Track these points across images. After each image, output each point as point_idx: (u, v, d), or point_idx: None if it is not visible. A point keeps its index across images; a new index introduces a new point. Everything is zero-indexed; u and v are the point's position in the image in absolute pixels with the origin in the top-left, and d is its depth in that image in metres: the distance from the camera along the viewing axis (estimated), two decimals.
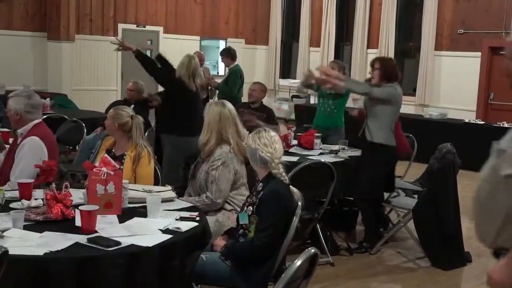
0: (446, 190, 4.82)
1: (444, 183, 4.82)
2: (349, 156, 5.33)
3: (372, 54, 11.91)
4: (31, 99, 3.91)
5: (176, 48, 12.44)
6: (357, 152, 5.41)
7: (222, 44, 13.39)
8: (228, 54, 8.46)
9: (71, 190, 3.15)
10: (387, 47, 12.01)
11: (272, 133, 3.21)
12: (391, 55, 11.69)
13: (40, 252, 2.50)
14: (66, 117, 6.57)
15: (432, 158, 4.99)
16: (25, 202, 3.18)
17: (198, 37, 13.29)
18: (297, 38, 14.12)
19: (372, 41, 12.42)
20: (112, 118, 4.05)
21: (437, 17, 11.27)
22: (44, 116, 6.50)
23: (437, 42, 11.32)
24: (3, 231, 2.72)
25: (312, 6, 13.57)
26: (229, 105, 4.08)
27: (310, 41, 13.74)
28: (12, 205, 3.17)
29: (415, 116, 10.14)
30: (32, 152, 3.73)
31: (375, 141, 4.97)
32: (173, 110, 5.57)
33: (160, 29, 12.75)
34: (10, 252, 2.33)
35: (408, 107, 10.27)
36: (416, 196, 5.20)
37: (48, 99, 7.70)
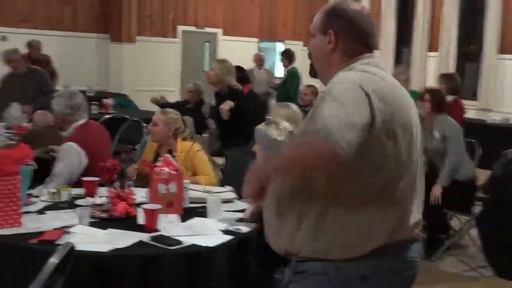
0: (511, 197, 4.68)
1: (509, 190, 4.67)
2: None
3: (432, 57, 11.67)
4: (73, 100, 3.88)
5: (234, 50, 12.53)
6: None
7: (279, 47, 13.39)
8: (287, 56, 8.47)
9: (134, 189, 3.21)
10: (448, 50, 11.74)
11: None
12: (452, 58, 11.42)
13: (104, 248, 2.55)
14: (127, 117, 6.69)
15: (496, 165, 4.85)
16: (90, 200, 3.26)
17: (256, 39, 13.33)
18: None
19: (432, 44, 12.17)
20: (166, 123, 4.05)
21: (501, 20, 10.96)
22: (107, 116, 6.69)
23: (501, 45, 11.00)
24: (70, 227, 2.80)
25: (370, 7, 13.41)
26: (294, 106, 4.09)
27: None
28: (77, 202, 3.26)
29: (477, 121, 9.87)
30: (66, 158, 3.71)
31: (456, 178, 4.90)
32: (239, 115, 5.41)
33: (219, 31, 12.86)
34: (76, 248, 2.39)
35: (469, 111, 10.01)
36: (478, 203, 5.06)
37: (110, 99, 7.87)
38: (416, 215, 2.02)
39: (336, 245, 1.91)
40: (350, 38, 2.04)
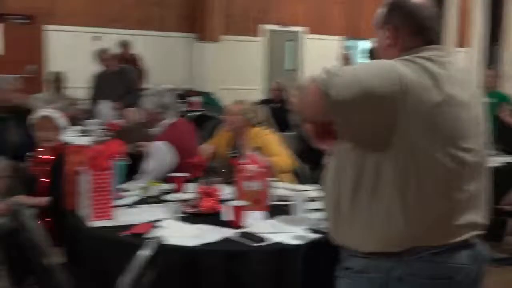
0: None
1: None
2: (507, 163, 5.05)
3: None
4: (163, 99, 4.01)
5: (317, 48, 12.49)
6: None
7: (362, 45, 13.21)
8: (373, 54, 8.34)
9: (220, 185, 3.26)
10: None
11: None
12: None
13: (192, 243, 2.60)
14: (213, 114, 6.81)
15: None
16: (178, 195, 3.34)
17: (339, 37, 13.22)
18: (443, 38, 13.57)
19: None
20: (241, 113, 4.09)
21: None
22: (194, 114, 6.84)
23: None
24: (159, 221, 2.88)
25: (459, 5, 12.99)
26: None
27: (458, 41, 13.17)
28: (166, 197, 3.34)
29: None
30: (156, 157, 3.82)
31: None
32: None
33: (303, 29, 12.84)
34: (165, 242, 2.45)
35: None
36: None
37: (197, 97, 8.03)
38: (466, 217, 1.89)
39: (367, 238, 1.90)
40: (409, 32, 1.98)
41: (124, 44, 8.78)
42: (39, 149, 3.79)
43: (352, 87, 1.75)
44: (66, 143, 3.76)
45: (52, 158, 3.64)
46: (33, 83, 8.85)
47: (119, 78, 6.76)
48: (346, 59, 10.38)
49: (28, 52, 9.28)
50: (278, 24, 12.48)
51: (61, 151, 3.59)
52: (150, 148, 3.87)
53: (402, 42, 1.98)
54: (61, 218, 3.17)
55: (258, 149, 3.88)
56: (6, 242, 3.39)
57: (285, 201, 3.29)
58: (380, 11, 2.04)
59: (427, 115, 1.81)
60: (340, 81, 1.76)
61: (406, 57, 1.91)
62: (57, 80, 6.63)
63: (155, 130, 4.03)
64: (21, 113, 5.10)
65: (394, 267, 1.88)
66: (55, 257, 2.77)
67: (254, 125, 4.17)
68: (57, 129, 3.70)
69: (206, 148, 4.19)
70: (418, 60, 1.89)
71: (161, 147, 3.83)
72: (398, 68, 1.83)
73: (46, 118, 3.74)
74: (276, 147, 4.06)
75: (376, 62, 1.90)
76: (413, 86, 1.80)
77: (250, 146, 3.98)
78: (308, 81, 1.88)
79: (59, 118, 3.76)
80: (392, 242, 1.87)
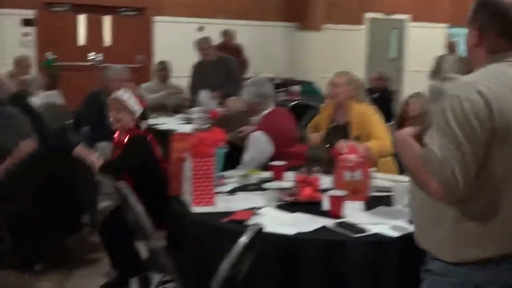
0: None
1: None
2: None
3: None
4: (261, 89, 4.04)
5: (422, 36, 12.13)
6: None
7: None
8: None
9: (319, 175, 3.25)
10: None
11: None
12: None
13: (291, 232, 2.62)
14: (312, 103, 6.79)
15: None
16: (278, 183, 3.37)
17: (445, 25, 12.76)
18: None
19: None
20: (348, 83, 4.02)
21: None
22: (293, 103, 6.85)
23: None
24: (258, 208, 2.92)
25: None
26: None
27: None
28: (266, 185, 3.39)
29: None
30: (255, 147, 3.88)
31: None
32: None
33: (407, 17, 12.51)
34: (264, 229, 2.48)
35: None
36: None
37: (297, 87, 8.04)
38: None
39: (447, 246, 1.91)
40: (496, 33, 1.87)
41: (227, 33, 8.91)
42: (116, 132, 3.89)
43: (466, 175, 1.76)
44: (138, 127, 3.77)
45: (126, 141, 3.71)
46: (141, 73, 9.21)
47: (218, 68, 6.88)
48: (452, 47, 10.04)
49: (136, 43, 9.65)
50: (381, 12, 12.23)
51: (133, 134, 3.69)
52: (248, 138, 3.93)
53: (488, 42, 1.89)
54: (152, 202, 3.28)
55: (357, 138, 3.83)
56: (112, 224, 3.57)
57: (385, 192, 3.24)
58: (471, 7, 1.96)
59: None
60: (459, 173, 1.75)
61: (496, 66, 1.86)
62: (163, 70, 6.85)
63: (254, 119, 4.08)
64: None
65: (473, 273, 1.88)
66: (158, 241, 2.89)
67: (357, 101, 4.09)
68: (127, 111, 3.71)
69: (314, 137, 4.18)
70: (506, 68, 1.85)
71: (259, 137, 3.88)
72: (478, 103, 1.76)
73: (117, 100, 3.75)
74: (379, 129, 3.96)
75: (455, 119, 1.79)
76: (501, 109, 1.77)
77: (352, 122, 3.96)
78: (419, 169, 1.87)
79: (131, 100, 3.75)
80: (473, 250, 1.87)
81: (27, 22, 8.86)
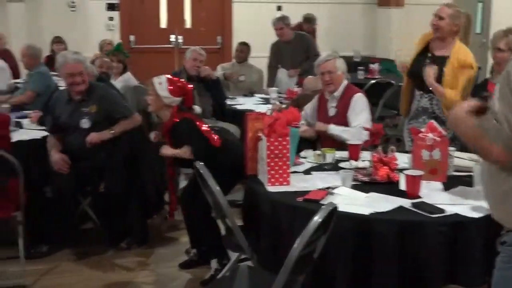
0: None
1: None
2: None
3: None
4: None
5: (510, 10, 11.57)
6: None
7: None
8: None
9: (396, 154, 3.20)
10: None
11: None
12: None
13: (365, 211, 2.60)
14: (392, 82, 6.65)
15: None
16: (353, 163, 3.34)
17: None
18: None
19: None
20: (452, 17, 3.94)
21: None
22: (373, 81, 6.74)
23: None
24: (333, 188, 2.91)
25: None
26: None
27: None
28: (341, 164, 3.36)
29: None
30: (366, 107, 4.03)
31: None
32: None
33: None
34: (338, 209, 2.47)
35: None
36: None
37: (376, 64, 7.89)
38: None
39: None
40: None
41: (308, 20, 8.71)
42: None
43: None
44: (182, 111, 3.77)
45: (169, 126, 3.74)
46: (221, 54, 9.31)
47: (296, 46, 6.84)
48: None
49: (216, 24, 9.75)
50: None
51: (177, 118, 3.71)
52: (353, 102, 4.01)
53: None
54: None
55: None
56: (192, 202, 3.65)
57: (465, 171, 3.14)
58: None
59: None
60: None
61: None
62: (243, 51, 6.89)
63: (336, 92, 4.09)
64: (207, 82, 5.41)
65: None
66: (234, 219, 2.94)
67: (458, 39, 4.02)
68: (158, 96, 3.71)
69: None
70: None
71: (364, 98, 3.99)
72: None
73: (151, 84, 3.78)
74: (459, 82, 3.91)
75: None
76: None
77: (450, 67, 3.93)
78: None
79: (160, 85, 3.74)
80: None
81: (111, 7, 9.13)
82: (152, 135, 3.93)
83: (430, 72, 3.90)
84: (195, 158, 3.45)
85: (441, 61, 3.96)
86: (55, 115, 4.19)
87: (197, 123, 3.71)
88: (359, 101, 4.02)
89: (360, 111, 3.98)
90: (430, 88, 3.96)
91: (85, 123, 4.07)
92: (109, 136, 4.07)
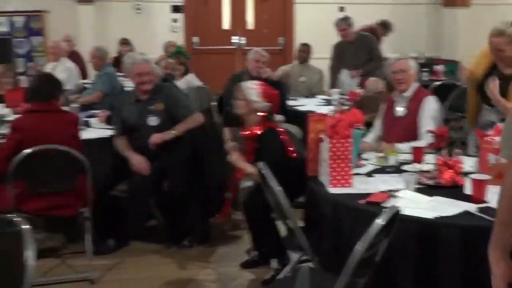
0: None
1: None
2: None
3: None
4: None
5: None
6: None
7: None
8: None
9: (462, 157, 3.14)
10: None
11: None
12: None
13: (429, 215, 2.56)
14: (458, 83, 6.52)
15: None
16: (417, 166, 3.29)
17: None
18: None
19: None
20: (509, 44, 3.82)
21: None
22: (437, 83, 6.61)
23: None
24: (396, 191, 2.88)
25: None
26: None
27: None
28: (404, 167, 3.32)
29: None
30: (438, 111, 4.00)
31: None
32: None
33: None
34: (401, 212, 2.45)
35: None
36: None
37: (441, 66, 7.74)
38: None
39: None
40: None
41: (385, 25, 8.55)
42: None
43: None
44: (268, 119, 3.78)
45: (256, 133, 3.72)
46: (283, 56, 9.33)
47: (359, 47, 6.78)
48: None
49: (278, 25, 9.78)
50: None
51: (265, 126, 3.71)
52: (424, 104, 3.97)
53: None
54: None
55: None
56: (254, 203, 3.68)
57: None
58: None
59: None
60: None
61: None
62: (305, 52, 6.89)
63: (407, 92, 4.05)
64: (269, 83, 5.43)
65: None
66: (296, 220, 2.95)
67: None
68: (249, 102, 3.72)
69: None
70: None
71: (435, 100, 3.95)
72: None
73: (242, 89, 3.79)
74: None
75: None
76: None
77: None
78: None
79: (251, 90, 3.76)
80: None
81: (176, 9, 9.31)
82: (231, 144, 3.98)
83: (493, 87, 3.79)
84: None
85: (509, 80, 3.84)
86: (123, 117, 4.31)
87: (280, 134, 3.74)
88: (432, 105, 3.97)
89: (432, 116, 3.93)
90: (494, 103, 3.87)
91: (153, 121, 4.18)
92: (172, 136, 4.15)
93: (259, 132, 3.70)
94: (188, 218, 4.25)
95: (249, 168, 3.65)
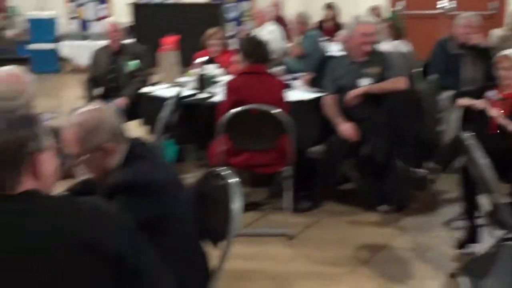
0: None
1: None
2: None
3: None
4: None
5: None
6: None
7: None
8: None
9: None
10: None
11: None
12: None
13: None
14: None
15: None
16: None
17: None
18: None
19: None
20: None
21: None
22: None
23: None
24: None
25: None
26: None
27: None
28: None
29: None
30: None
31: None
32: None
33: None
34: None
35: None
36: None
37: None
38: None
39: None
40: None
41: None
42: (500, 87, 3.91)
43: None
44: None
45: None
46: (493, 21, 8.76)
47: None
48: None
49: None
50: None
51: None
52: None
53: None
54: None
55: None
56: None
57: None
58: None
59: None
60: None
61: None
62: None
63: None
64: (478, 51, 5.14)
65: None
66: (502, 196, 2.81)
67: None
68: None
69: None
70: None
71: None
72: None
73: (506, 57, 3.76)
74: None
75: None
76: None
77: None
78: None
79: None
80: None
81: None
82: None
83: None
84: None
85: None
86: (334, 76, 4.38)
87: None
88: None
89: None
90: None
91: (364, 82, 4.23)
92: (366, 90, 4.18)
93: None
94: (386, 184, 4.23)
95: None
